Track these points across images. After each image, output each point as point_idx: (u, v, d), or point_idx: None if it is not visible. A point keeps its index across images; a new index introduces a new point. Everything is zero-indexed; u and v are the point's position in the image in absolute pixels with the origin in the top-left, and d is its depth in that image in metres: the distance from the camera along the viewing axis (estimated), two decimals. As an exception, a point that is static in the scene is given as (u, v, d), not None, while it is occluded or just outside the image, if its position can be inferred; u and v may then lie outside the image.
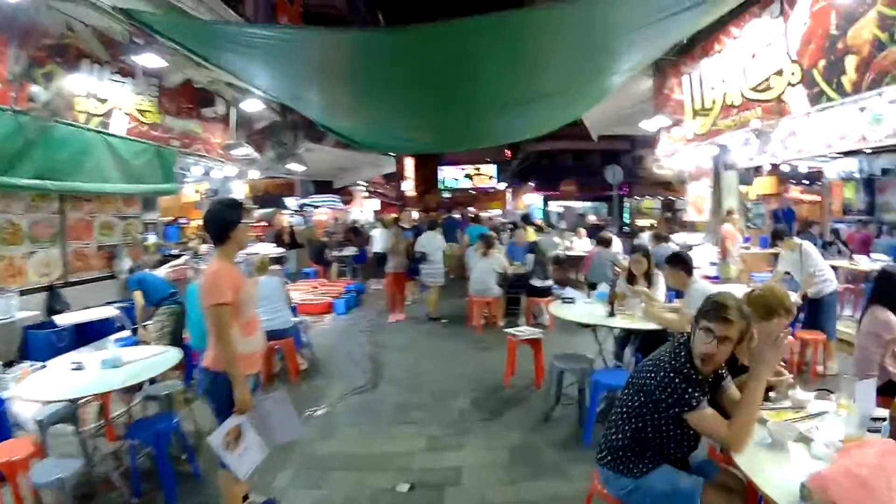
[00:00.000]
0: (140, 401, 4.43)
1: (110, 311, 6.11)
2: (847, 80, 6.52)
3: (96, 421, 4.34)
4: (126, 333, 5.88)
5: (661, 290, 4.79)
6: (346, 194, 23.17)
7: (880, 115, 6.70)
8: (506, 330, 5.55)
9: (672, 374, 2.11)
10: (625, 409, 2.30)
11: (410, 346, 7.23)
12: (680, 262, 4.25)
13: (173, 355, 3.94)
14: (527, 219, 11.45)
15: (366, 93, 5.74)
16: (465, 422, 4.61)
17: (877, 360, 3.22)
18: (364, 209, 25.52)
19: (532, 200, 30.34)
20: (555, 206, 28.81)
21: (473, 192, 41.14)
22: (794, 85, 7.28)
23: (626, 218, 26.41)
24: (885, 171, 10.66)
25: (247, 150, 10.35)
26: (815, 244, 8.42)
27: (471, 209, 32.67)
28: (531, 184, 30.04)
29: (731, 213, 9.17)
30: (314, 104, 7.09)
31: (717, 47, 8.77)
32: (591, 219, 26.69)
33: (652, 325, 4.20)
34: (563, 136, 27.25)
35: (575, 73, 5.69)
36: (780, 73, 7.52)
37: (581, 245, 12.37)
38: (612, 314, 4.43)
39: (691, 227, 11.33)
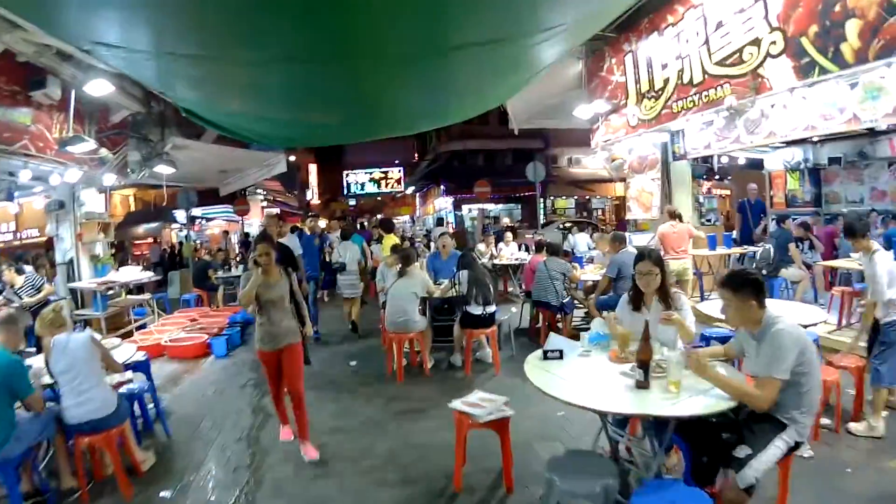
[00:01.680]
0: None
1: None
2: (848, 49, 5.31)
3: None
4: None
5: (689, 317, 3.18)
6: (241, 204, 20.50)
7: (877, 91, 5.59)
8: (453, 405, 3.45)
9: None
10: None
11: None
12: (749, 286, 2.61)
13: None
14: (386, 225, 9.51)
15: (242, 43, 3.67)
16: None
17: None
18: (264, 221, 22.72)
19: (443, 204, 28.77)
20: (467, 210, 27.32)
21: (381, 199, 39.14)
22: (775, 56, 6.10)
23: (542, 219, 25.48)
24: (831, 161, 9.98)
25: (88, 146, 7.70)
26: (790, 240, 7.36)
27: (380, 216, 30.75)
28: (441, 187, 28.46)
29: (674, 213, 7.71)
30: (177, 71, 4.78)
31: (671, 19, 7.47)
32: (506, 221, 25.69)
33: (718, 404, 2.48)
34: (473, 134, 26.42)
35: (492, 25, 3.93)
36: (755, 42, 6.31)
37: (509, 252, 10.72)
38: (644, 383, 2.63)
39: (633, 225, 10.09)
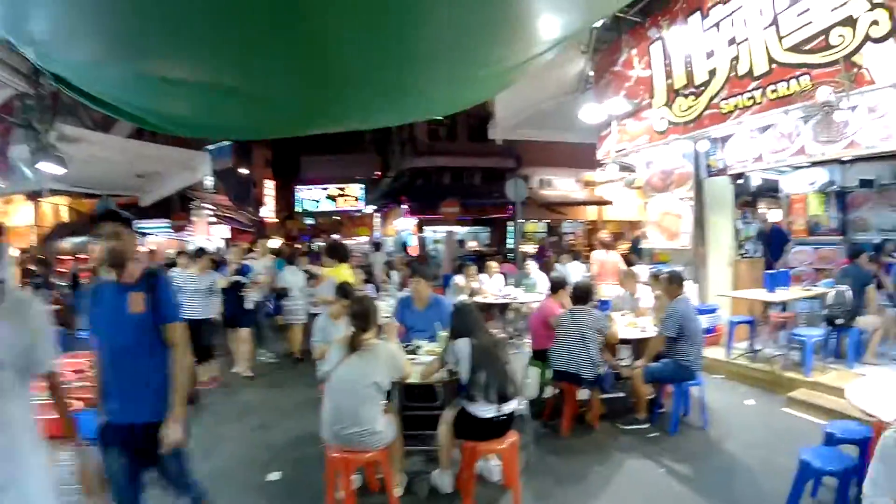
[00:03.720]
0: None
1: None
2: None
3: None
4: None
5: None
6: (178, 218, 18.04)
7: None
8: None
9: None
10: None
11: None
12: None
13: None
14: (337, 252, 5.82)
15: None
16: None
17: None
18: (212, 238, 19.53)
19: (405, 225, 26.73)
20: (431, 231, 25.40)
21: (338, 217, 36.83)
22: (877, 40, 4.51)
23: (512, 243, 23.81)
24: (863, 183, 8.62)
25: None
26: (869, 282, 5.79)
27: (335, 236, 28.49)
28: (404, 206, 26.48)
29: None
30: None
31: (719, -7, 5.81)
32: (472, 245, 23.94)
33: None
34: (440, 151, 24.58)
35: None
36: (848, 22, 4.69)
37: (495, 287, 8.69)
38: None
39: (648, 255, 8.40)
